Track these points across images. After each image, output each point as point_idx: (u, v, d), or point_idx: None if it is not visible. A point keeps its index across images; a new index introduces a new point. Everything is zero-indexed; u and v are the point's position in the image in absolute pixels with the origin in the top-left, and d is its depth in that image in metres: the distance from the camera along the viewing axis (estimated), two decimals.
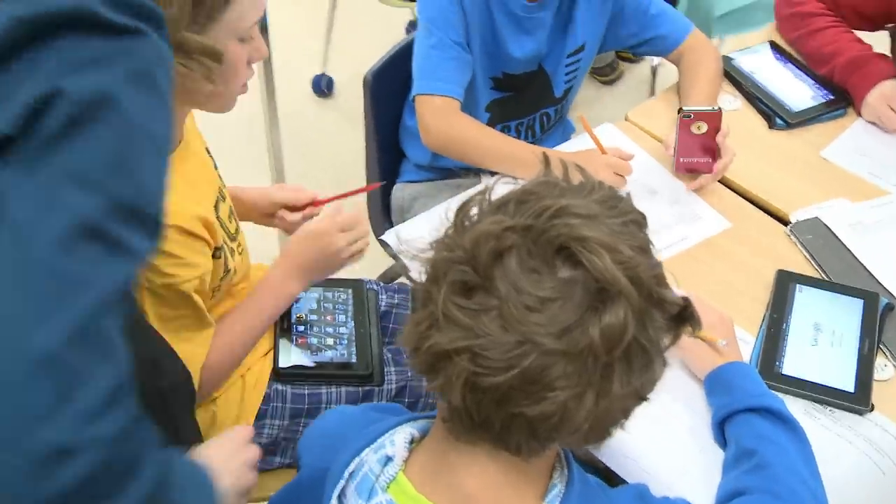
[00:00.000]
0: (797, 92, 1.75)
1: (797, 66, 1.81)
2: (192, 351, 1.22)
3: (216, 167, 1.33)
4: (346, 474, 0.83)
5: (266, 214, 1.51)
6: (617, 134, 1.68)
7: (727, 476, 1.12)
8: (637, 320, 0.71)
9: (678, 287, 0.81)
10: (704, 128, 1.50)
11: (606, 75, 3.04)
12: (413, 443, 0.85)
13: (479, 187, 0.79)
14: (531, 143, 1.82)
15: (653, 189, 1.56)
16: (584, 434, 0.75)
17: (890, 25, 1.74)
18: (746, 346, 1.30)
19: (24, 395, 0.57)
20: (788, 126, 1.69)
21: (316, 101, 2.97)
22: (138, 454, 0.64)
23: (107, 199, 0.61)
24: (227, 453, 1.00)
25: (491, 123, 1.81)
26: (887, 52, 1.73)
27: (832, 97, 1.74)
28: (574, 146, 1.68)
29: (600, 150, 1.54)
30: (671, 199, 1.55)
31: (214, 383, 1.32)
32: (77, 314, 0.59)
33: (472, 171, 1.68)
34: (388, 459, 0.83)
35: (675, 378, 1.26)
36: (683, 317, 0.77)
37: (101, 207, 0.61)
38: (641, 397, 0.77)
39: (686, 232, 1.49)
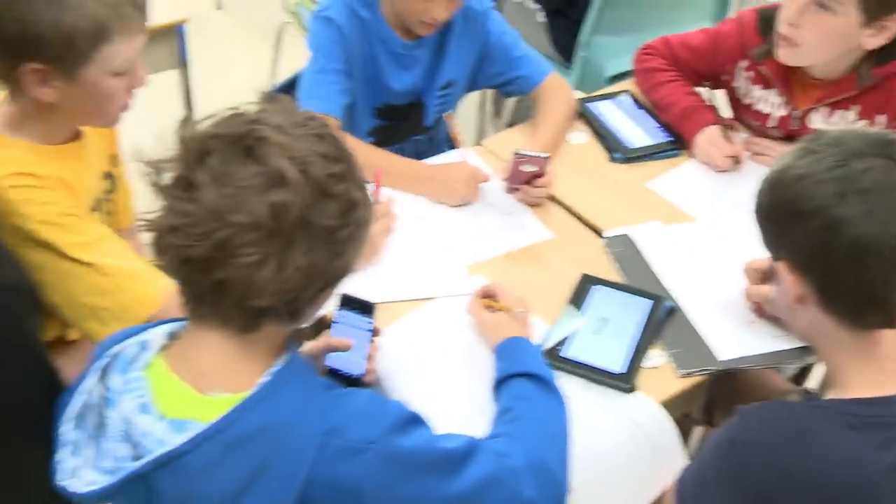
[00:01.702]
0: (638, 133, 1.97)
1: (647, 114, 2.04)
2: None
3: (110, 190, 1.52)
4: (110, 354, 1.00)
5: None
6: (472, 155, 1.89)
7: (491, 428, 1.28)
8: (306, 204, 0.92)
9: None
10: (534, 168, 1.72)
11: None
12: (174, 336, 1.03)
13: None
14: None
15: (490, 202, 1.76)
16: (276, 305, 0.94)
17: (708, 83, 1.99)
18: (539, 331, 1.48)
19: None
20: (625, 160, 1.91)
21: None
22: None
23: None
24: None
25: None
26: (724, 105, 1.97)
27: (670, 140, 1.96)
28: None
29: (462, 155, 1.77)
30: (504, 211, 1.75)
31: None
32: None
33: None
34: (147, 344, 1.01)
35: (467, 348, 1.45)
36: (356, 209, 0.98)
37: None
38: (328, 281, 0.98)
39: (511, 238, 1.69)
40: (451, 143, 2.18)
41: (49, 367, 1.31)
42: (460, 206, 1.75)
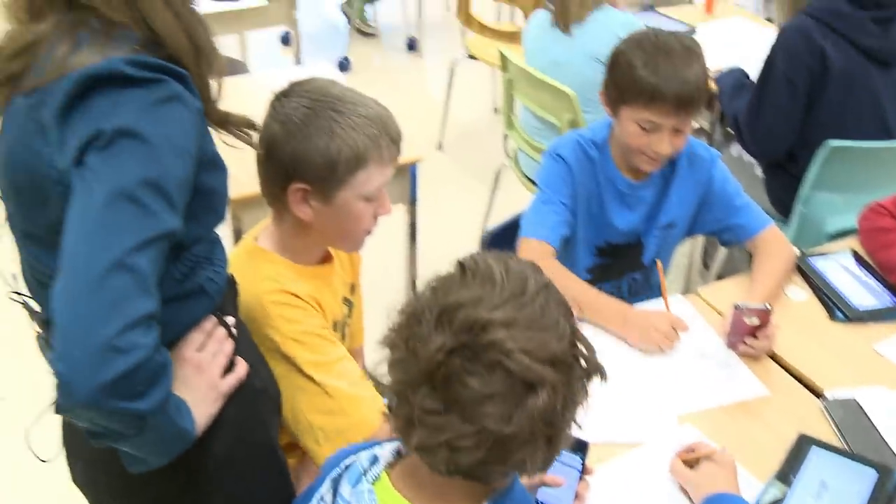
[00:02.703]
0: (863, 293, 1.91)
1: (872, 274, 1.98)
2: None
3: (348, 315, 1.64)
4: (343, 466, 1.08)
5: None
6: (685, 304, 1.90)
7: None
8: (562, 385, 0.94)
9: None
10: (755, 320, 1.70)
11: None
12: (400, 454, 1.09)
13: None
14: None
15: (704, 352, 1.75)
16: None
17: None
18: (753, 490, 1.43)
19: (89, 301, 0.92)
20: (848, 320, 1.85)
21: None
22: (163, 367, 0.98)
23: (138, 177, 0.98)
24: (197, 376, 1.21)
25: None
26: None
27: None
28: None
29: (665, 304, 1.77)
30: (719, 364, 1.73)
31: None
32: (119, 251, 0.95)
33: None
34: (376, 459, 1.08)
35: (676, 497, 1.43)
36: (597, 365, 1.00)
37: (134, 182, 0.98)
38: (574, 422, 1.00)
39: (725, 391, 1.66)
40: None
41: (283, 464, 1.43)
42: (666, 352, 1.75)
